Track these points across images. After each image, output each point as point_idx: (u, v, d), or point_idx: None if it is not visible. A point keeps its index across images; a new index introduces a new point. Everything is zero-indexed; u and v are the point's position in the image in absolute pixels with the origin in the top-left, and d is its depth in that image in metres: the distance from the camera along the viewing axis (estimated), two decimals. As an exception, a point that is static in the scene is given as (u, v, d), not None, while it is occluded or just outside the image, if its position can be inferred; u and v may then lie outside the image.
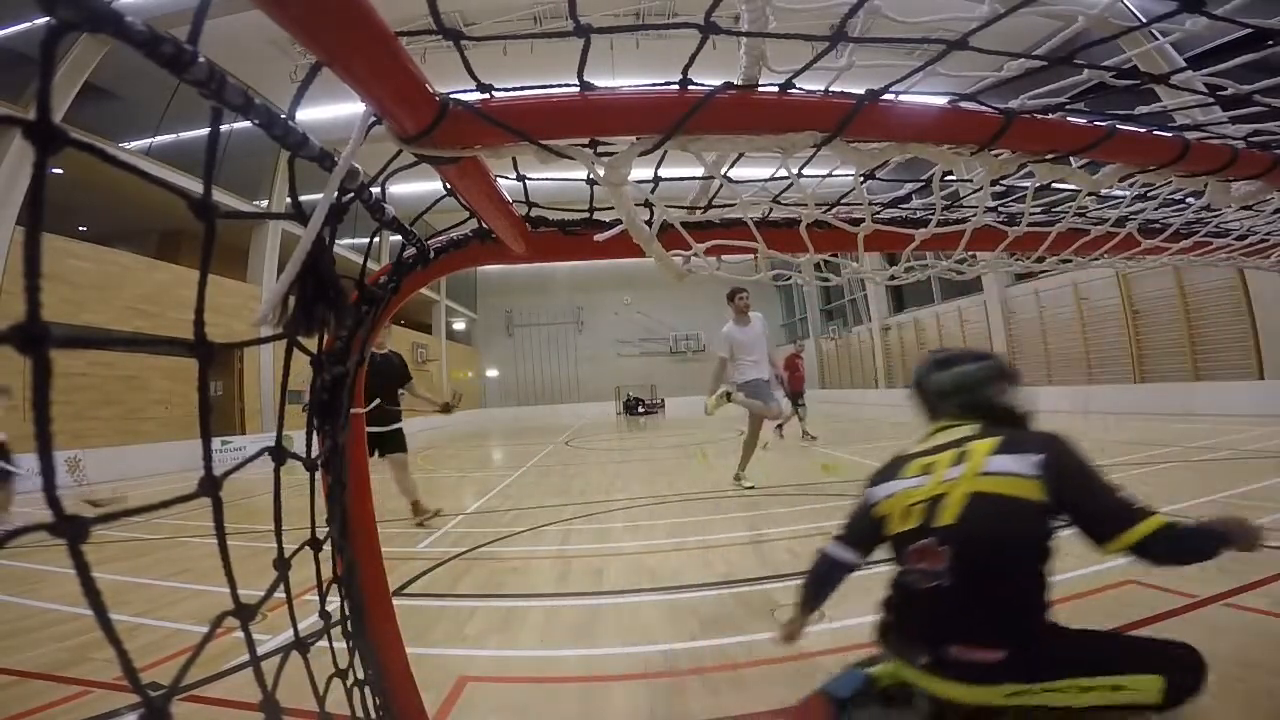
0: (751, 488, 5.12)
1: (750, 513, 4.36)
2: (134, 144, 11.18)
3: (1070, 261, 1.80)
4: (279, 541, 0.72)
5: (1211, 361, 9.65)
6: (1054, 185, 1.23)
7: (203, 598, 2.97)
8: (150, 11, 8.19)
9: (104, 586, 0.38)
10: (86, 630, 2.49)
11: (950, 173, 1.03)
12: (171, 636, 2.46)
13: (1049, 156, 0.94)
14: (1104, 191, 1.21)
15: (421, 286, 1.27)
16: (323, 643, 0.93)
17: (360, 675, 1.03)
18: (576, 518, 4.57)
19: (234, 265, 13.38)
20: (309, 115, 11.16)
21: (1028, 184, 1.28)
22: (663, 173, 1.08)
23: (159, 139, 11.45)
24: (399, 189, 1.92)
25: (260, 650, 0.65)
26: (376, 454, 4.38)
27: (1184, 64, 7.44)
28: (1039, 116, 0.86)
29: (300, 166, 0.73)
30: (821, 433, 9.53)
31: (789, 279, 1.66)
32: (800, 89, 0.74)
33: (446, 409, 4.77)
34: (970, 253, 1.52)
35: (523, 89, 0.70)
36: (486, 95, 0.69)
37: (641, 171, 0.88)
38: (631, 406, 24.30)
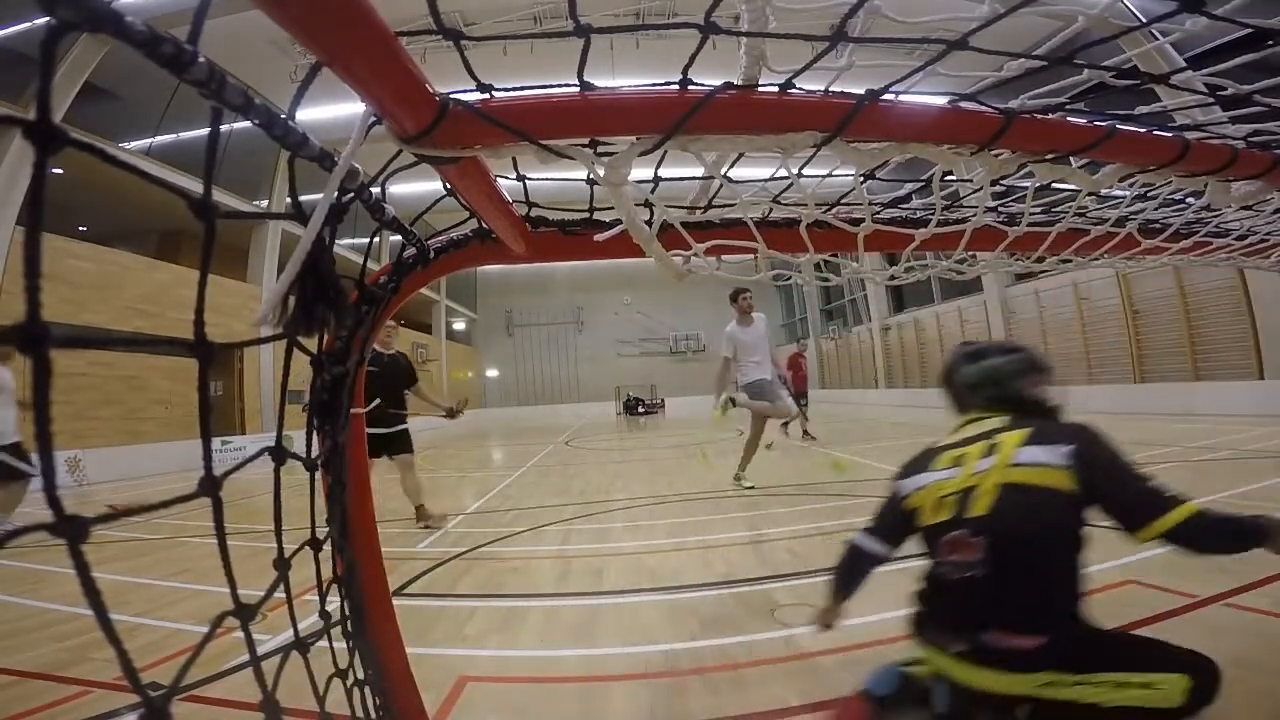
0: (751, 488, 5.12)
1: (750, 513, 4.36)
2: (134, 144, 11.20)
3: (1070, 261, 1.80)
4: (279, 541, 0.72)
5: (1211, 361, 9.65)
6: (1054, 185, 1.23)
7: (203, 598, 2.97)
8: (150, 11, 8.19)
9: (104, 586, 0.38)
10: (86, 630, 2.49)
11: (950, 173, 1.03)
12: (171, 636, 2.46)
13: (1049, 156, 0.94)
14: (1104, 191, 1.21)
15: (421, 286, 1.27)
16: (323, 643, 0.92)
17: (360, 675, 1.03)
18: (576, 518, 4.57)
19: (234, 265, 13.38)
20: (309, 115, 11.16)
21: (1028, 184, 1.28)
22: (663, 173, 1.08)
23: (159, 139, 11.46)
24: (399, 189, 1.93)
25: (260, 650, 0.65)
26: (386, 456, 4.35)
27: (1184, 64, 7.44)
28: (1039, 116, 0.86)
29: (300, 166, 0.73)
30: (821, 433, 9.53)
31: (789, 279, 1.66)
32: (800, 89, 0.74)
33: (451, 414, 4.74)
34: (970, 253, 1.52)
35: (523, 89, 0.70)
36: (486, 95, 0.69)
37: (641, 171, 0.88)
38: (631, 406, 24.29)
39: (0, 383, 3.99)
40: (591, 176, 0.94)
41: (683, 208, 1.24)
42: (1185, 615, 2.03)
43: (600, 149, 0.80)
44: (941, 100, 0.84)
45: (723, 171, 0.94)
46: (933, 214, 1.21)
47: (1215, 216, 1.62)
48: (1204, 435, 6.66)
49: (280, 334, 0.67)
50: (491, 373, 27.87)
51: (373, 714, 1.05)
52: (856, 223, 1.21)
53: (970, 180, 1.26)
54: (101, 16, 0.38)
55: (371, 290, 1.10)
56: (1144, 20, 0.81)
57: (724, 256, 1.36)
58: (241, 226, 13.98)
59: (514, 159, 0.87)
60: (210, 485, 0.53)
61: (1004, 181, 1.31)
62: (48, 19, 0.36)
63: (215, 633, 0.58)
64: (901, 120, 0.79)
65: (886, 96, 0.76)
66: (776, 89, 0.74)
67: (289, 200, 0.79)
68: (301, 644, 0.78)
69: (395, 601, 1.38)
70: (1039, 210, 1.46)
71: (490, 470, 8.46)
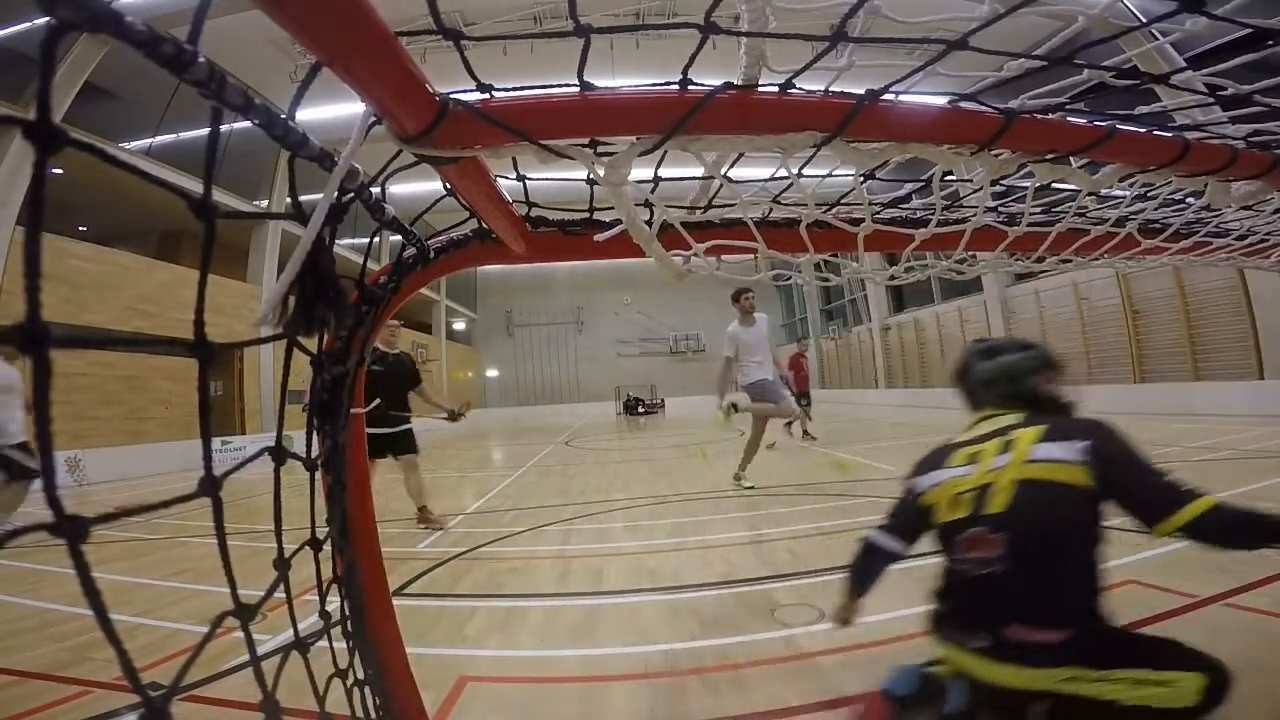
0: (751, 488, 5.12)
1: (750, 513, 4.36)
2: (134, 144, 11.18)
3: (1070, 261, 1.80)
4: (279, 541, 0.72)
5: (1211, 361, 9.65)
6: (1054, 185, 1.23)
7: (203, 598, 2.97)
8: (150, 11, 8.19)
9: (104, 586, 0.38)
10: (86, 630, 2.49)
11: (950, 173, 1.03)
12: (171, 636, 2.46)
13: (1049, 156, 0.94)
14: (1104, 191, 1.21)
15: (421, 286, 1.27)
16: (323, 643, 0.92)
17: (360, 675, 1.03)
18: (576, 518, 4.57)
19: (234, 265, 13.38)
20: (309, 115, 11.16)
21: (1028, 184, 1.28)
22: (663, 173, 1.08)
23: (159, 139, 11.46)
24: (399, 189, 1.93)
25: (260, 650, 0.65)
26: (390, 455, 4.34)
27: (1184, 64, 7.44)
28: (1039, 116, 0.86)
29: (300, 166, 0.73)
30: (821, 433, 9.54)
31: (789, 279, 1.66)
32: (800, 89, 0.74)
33: (454, 417, 4.72)
34: (970, 253, 1.52)
35: (523, 89, 0.70)
36: (486, 95, 0.69)
37: (641, 171, 0.88)
38: (631, 406, 24.29)
39: (9, 382, 3.98)
40: (591, 176, 0.94)
41: (683, 208, 1.24)
42: (1185, 615, 2.03)
43: (600, 149, 0.80)
44: (941, 100, 0.84)
45: (723, 171, 0.94)
46: (933, 214, 1.21)
47: (1215, 216, 1.62)
48: (1204, 435, 6.66)
49: (280, 334, 0.67)
50: (491, 373, 27.86)
51: (373, 714, 1.05)
52: (856, 223, 1.21)
53: (970, 180, 1.26)
54: (101, 16, 0.38)
55: (371, 290, 1.10)
56: (1144, 20, 0.81)
57: (724, 256, 1.36)
58: (241, 226, 13.98)
59: (514, 159, 0.87)
60: (210, 485, 0.53)
61: (1004, 181, 1.31)
62: (48, 19, 0.36)
63: (215, 633, 0.58)
64: (901, 120, 0.79)
65: (886, 96, 0.76)
66: (776, 89, 0.74)
67: (289, 200, 0.79)
68: (301, 644, 0.78)
69: (395, 601, 1.38)
70: (1039, 210, 1.46)
71: (490, 470, 8.46)
